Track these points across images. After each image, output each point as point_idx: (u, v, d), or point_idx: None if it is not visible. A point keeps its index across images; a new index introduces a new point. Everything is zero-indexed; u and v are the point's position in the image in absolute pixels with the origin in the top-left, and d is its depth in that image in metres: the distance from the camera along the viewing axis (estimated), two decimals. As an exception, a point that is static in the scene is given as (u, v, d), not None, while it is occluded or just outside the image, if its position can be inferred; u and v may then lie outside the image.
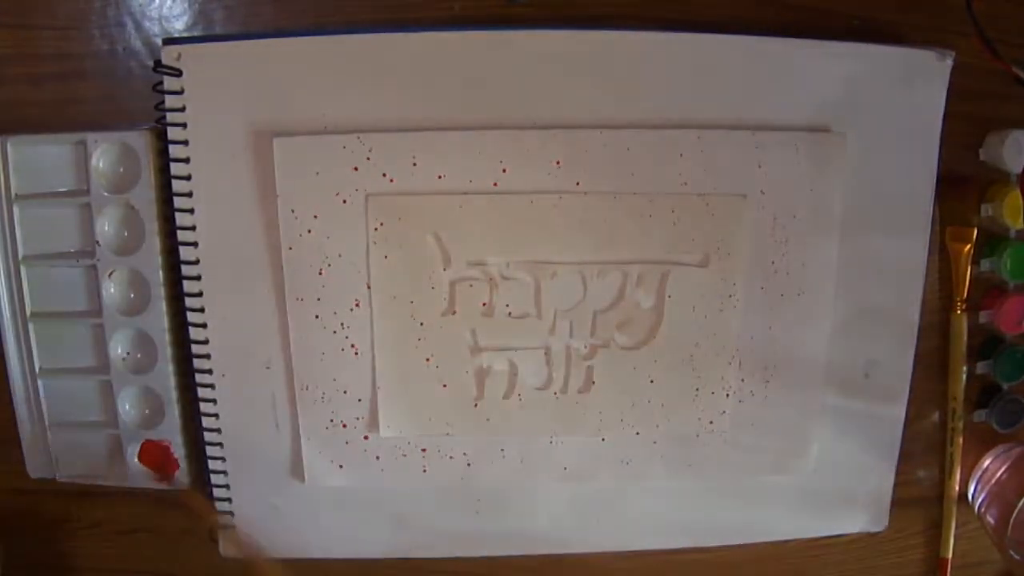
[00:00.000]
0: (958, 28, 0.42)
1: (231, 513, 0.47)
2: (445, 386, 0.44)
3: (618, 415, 0.45)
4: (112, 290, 0.44)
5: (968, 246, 0.47)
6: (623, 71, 0.41)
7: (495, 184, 0.42)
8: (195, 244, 0.42)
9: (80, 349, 0.45)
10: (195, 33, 0.43)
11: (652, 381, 0.45)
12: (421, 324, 0.43)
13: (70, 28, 0.43)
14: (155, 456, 0.46)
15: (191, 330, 0.44)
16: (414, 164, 0.41)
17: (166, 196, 0.42)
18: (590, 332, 0.44)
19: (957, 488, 0.50)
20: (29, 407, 0.46)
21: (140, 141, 0.42)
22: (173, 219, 0.42)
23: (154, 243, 0.43)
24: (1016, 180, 0.45)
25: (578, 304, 0.44)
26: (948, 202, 0.46)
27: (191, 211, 0.42)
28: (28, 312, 0.45)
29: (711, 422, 0.46)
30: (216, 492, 0.46)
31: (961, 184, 0.46)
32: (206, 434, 0.45)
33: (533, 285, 0.43)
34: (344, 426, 0.45)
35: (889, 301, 0.46)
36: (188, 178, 0.42)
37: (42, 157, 0.43)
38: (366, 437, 0.45)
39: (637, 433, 0.46)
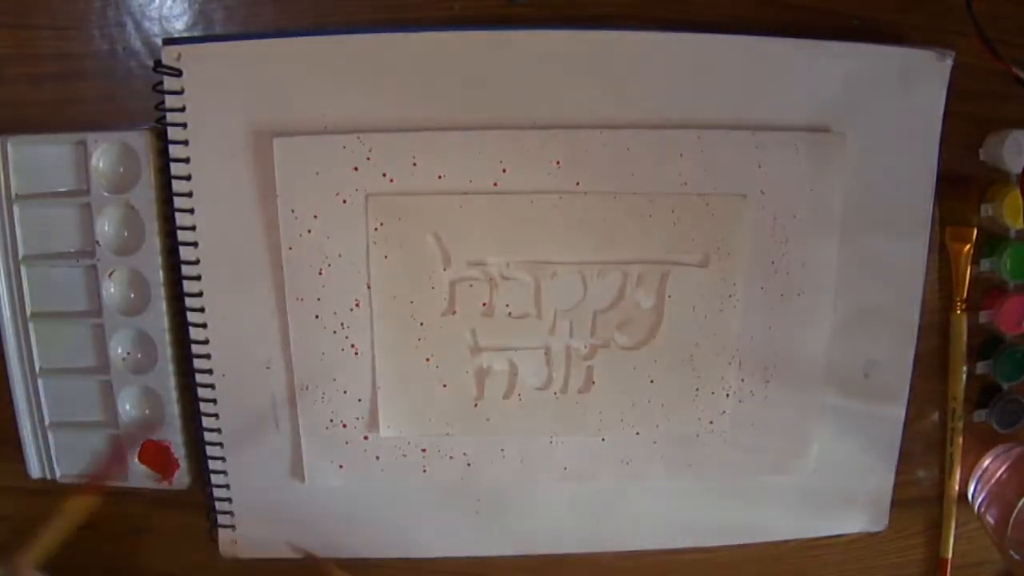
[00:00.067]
0: (958, 28, 0.42)
1: (231, 513, 0.47)
2: (445, 386, 0.44)
3: (618, 415, 0.45)
4: (112, 290, 0.44)
5: (968, 246, 0.47)
6: (623, 71, 0.41)
7: (495, 184, 0.42)
8: (195, 244, 0.42)
9: (80, 349, 0.45)
10: (195, 33, 0.43)
11: (652, 381, 0.45)
12: (421, 324, 0.43)
13: (70, 28, 0.43)
14: (155, 456, 0.46)
15: (191, 330, 0.44)
16: (414, 164, 0.41)
17: (166, 196, 0.42)
18: (590, 332, 0.44)
19: (957, 488, 0.50)
20: (29, 407, 0.46)
21: (140, 141, 0.42)
22: (173, 219, 0.42)
23: (154, 243, 0.43)
24: (1016, 180, 0.45)
25: (578, 304, 0.44)
26: (948, 202, 0.46)
27: (191, 211, 0.42)
28: (28, 312, 0.45)
29: (711, 422, 0.46)
30: (216, 492, 0.46)
31: (961, 184, 0.46)
32: (206, 434, 0.45)
33: (533, 285, 0.43)
34: (344, 426, 0.45)
35: (889, 301, 0.46)
36: (188, 178, 0.42)
37: (42, 157, 0.43)
38: (366, 437, 0.45)
39: (637, 433, 0.46)
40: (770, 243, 0.44)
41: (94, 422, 0.46)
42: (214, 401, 0.45)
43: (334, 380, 0.44)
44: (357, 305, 0.43)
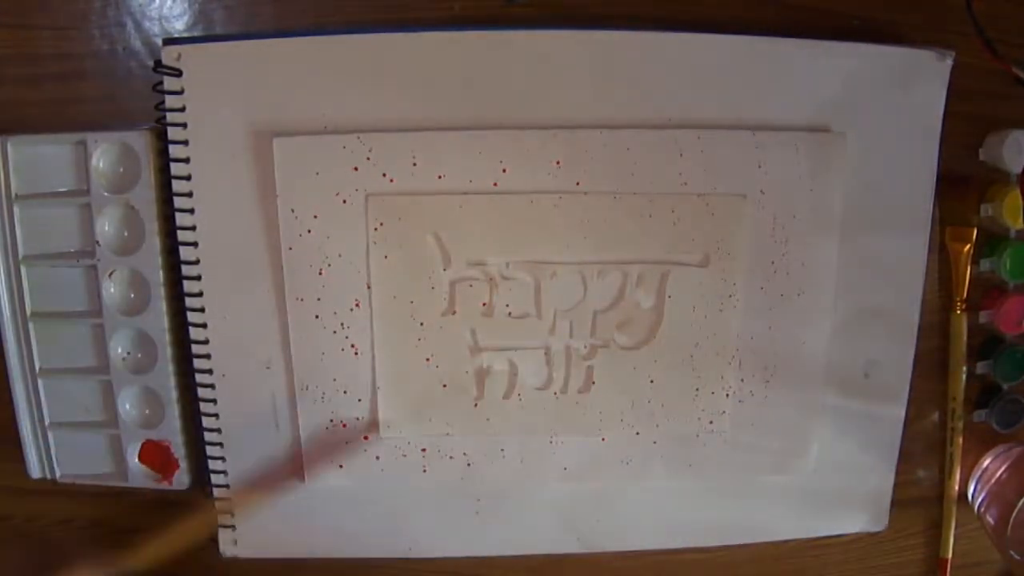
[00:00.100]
0: (958, 28, 0.42)
1: (231, 513, 0.47)
2: (445, 386, 0.44)
3: (618, 415, 0.45)
4: (112, 290, 0.44)
5: (968, 246, 0.47)
6: (623, 71, 0.41)
7: (495, 184, 0.42)
8: (195, 244, 0.42)
9: (80, 349, 0.45)
10: (195, 33, 0.43)
11: (652, 381, 0.45)
12: (421, 324, 0.43)
13: (70, 28, 0.43)
14: (155, 456, 0.46)
15: (191, 330, 0.44)
16: (414, 164, 0.41)
17: (166, 196, 0.42)
18: (590, 332, 0.44)
19: (957, 488, 0.50)
20: (29, 407, 0.46)
21: (140, 141, 0.42)
22: (173, 219, 0.42)
23: (154, 243, 0.43)
24: (1016, 180, 0.45)
25: (578, 304, 0.44)
26: (948, 202, 0.46)
27: (191, 211, 0.42)
28: (28, 312, 0.45)
29: (711, 422, 0.46)
30: (216, 492, 0.46)
31: (961, 184, 0.46)
32: (206, 434, 0.45)
33: (533, 285, 0.43)
34: (344, 426, 0.45)
35: (889, 301, 0.46)
36: (188, 178, 0.42)
37: (42, 157, 0.43)
38: (366, 437, 0.45)
39: (637, 433, 0.46)
40: (770, 243, 0.44)
41: (94, 422, 0.46)
42: (214, 401, 0.45)
43: (334, 380, 0.44)
44: (357, 305, 0.43)
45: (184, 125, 0.41)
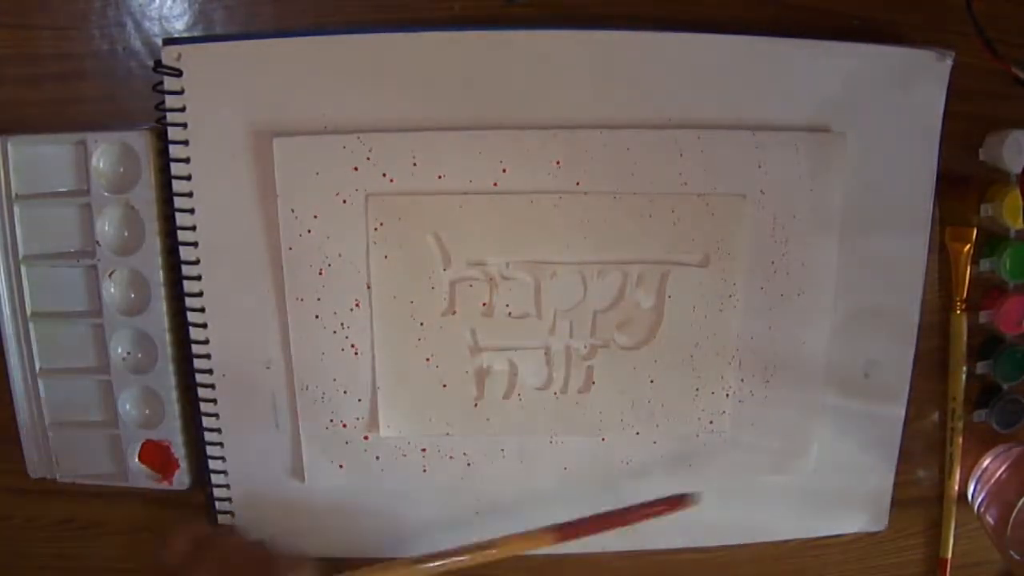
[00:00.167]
0: (958, 28, 0.42)
1: (231, 513, 0.47)
2: (445, 386, 0.44)
3: (618, 415, 0.45)
4: (112, 290, 0.44)
5: (968, 246, 0.47)
6: (623, 71, 0.41)
7: (495, 184, 0.42)
8: (195, 244, 0.42)
9: (80, 349, 0.45)
10: (195, 33, 0.43)
11: (652, 381, 0.45)
12: (421, 324, 0.43)
13: (70, 28, 0.43)
14: (155, 456, 0.46)
15: (191, 330, 0.44)
16: (414, 164, 0.41)
17: (166, 196, 0.42)
18: (590, 332, 0.44)
19: (957, 488, 0.50)
20: (29, 407, 0.46)
21: (140, 141, 0.42)
22: (173, 219, 0.42)
23: (154, 243, 0.43)
24: (1016, 180, 0.45)
25: (578, 304, 0.44)
26: (948, 202, 0.46)
27: (191, 211, 0.42)
28: (28, 312, 0.45)
29: (711, 422, 0.46)
30: (216, 492, 0.46)
31: (961, 184, 0.46)
32: (206, 434, 0.45)
33: (533, 285, 0.43)
34: (344, 426, 0.45)
35: (889, 301, 0.46)
36: (188, 178, 0.42)
37: (42, 157, 0.43)
38: (366, 437, 0.45)
39: (637, 433, 0.46)
40: (770, 243, 0.44)
41: (94, 422, 0.46)
42: (214, 401, 0.45)
43: (334, 380, 0.44)
44: (357, 305, 0.43)
45: (184, 125, 0.41)
